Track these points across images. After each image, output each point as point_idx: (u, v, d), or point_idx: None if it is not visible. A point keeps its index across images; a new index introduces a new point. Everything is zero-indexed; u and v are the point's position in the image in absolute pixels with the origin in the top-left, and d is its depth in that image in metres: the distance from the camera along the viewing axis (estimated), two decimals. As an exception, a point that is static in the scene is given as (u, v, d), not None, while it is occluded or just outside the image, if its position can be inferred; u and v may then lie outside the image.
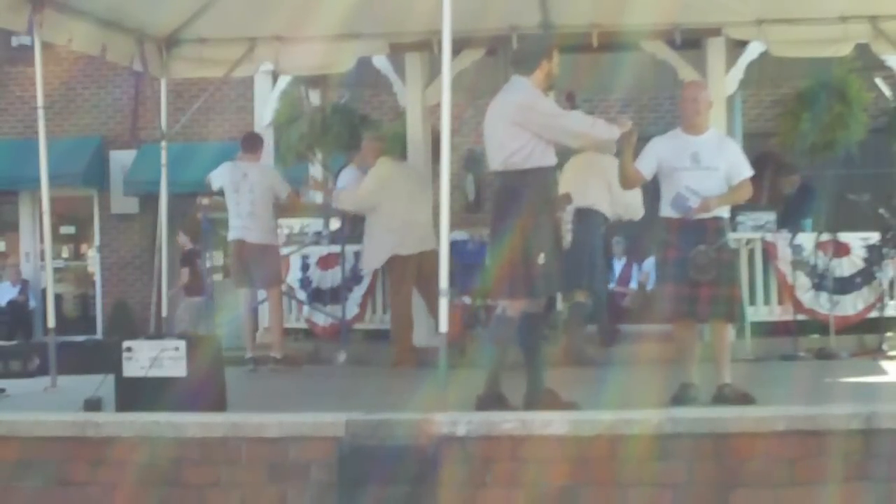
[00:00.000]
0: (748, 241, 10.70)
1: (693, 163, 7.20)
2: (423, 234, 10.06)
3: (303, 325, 11.88)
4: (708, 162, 7.20)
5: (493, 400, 6.69)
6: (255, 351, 10.54)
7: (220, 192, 10.61)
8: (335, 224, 12.13)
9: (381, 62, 11.68)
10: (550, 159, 6.88)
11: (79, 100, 20.07)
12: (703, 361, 7.32)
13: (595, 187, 9.74)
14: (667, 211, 7.29)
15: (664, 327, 7.99)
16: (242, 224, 10.39)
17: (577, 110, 7.19)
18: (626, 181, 7.44)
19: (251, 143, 10.76)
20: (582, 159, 9.79)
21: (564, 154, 10.16)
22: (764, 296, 10.82)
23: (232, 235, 10.51)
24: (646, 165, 7.31)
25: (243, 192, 10.38)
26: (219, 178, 10.61)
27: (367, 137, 11.29)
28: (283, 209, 10.77)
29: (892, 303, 10.90)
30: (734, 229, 10.29)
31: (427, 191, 10.51)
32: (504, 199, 6.80)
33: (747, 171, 7.37)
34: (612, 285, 17.39)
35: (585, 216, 9.49)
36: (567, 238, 6.82)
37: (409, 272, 10.22)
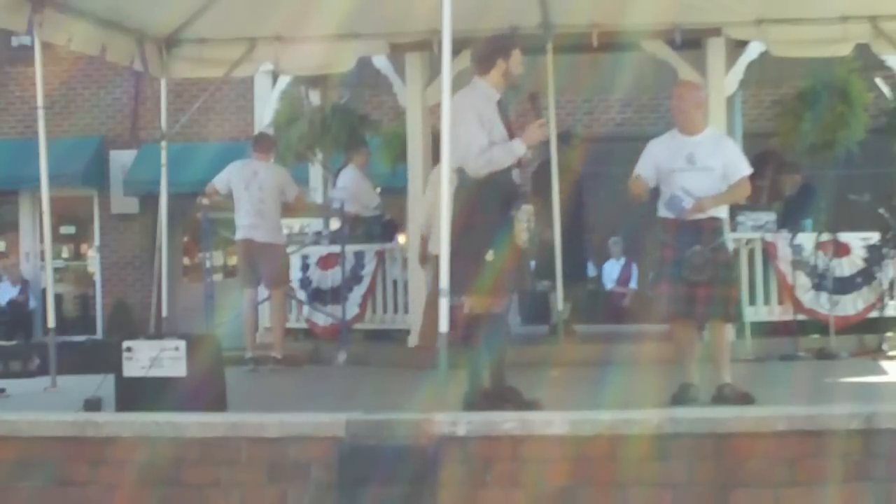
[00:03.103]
0: (748, 241, 10.70)
1: (688, 163, 7.19)
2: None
3: (303, 325, 11.89)
4: (703, 162, 7.19)
5: (479, 399, 6.70)
6: (255, 351, 10.55)
7: (227, 194, 10.63)
8: (335, 224, 12.13)
9: (381, 62, 11.67)
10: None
11: (79, 100, 20.08)
12: (703, 361, 7.32)
13: None
14: (664, 211, 7.29)
15: (664, 327, 7.99)
16: (250, 223, 10.41)
17: (516, 139, 7.06)
18: (634, 196, 7.41)
19: (262, 142, 10.82)
20: None
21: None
22: (764, 296, 10.81)
23: (239, 235, 10.54)
24: (645, 170, 7.30)
25: (253, 190, 10.42)
26: (225, 179, 10.62)
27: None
28: (287, 209, 10.80)
29: (892, 303, 10.90)
30: (734, 229, 10.30)
31: None
32: (461, 197, 6.78)
33: (745, 169, 7.37)
34: (611, 285, 17.51)
35: None
36: (523, 237, 6.77)
37: None
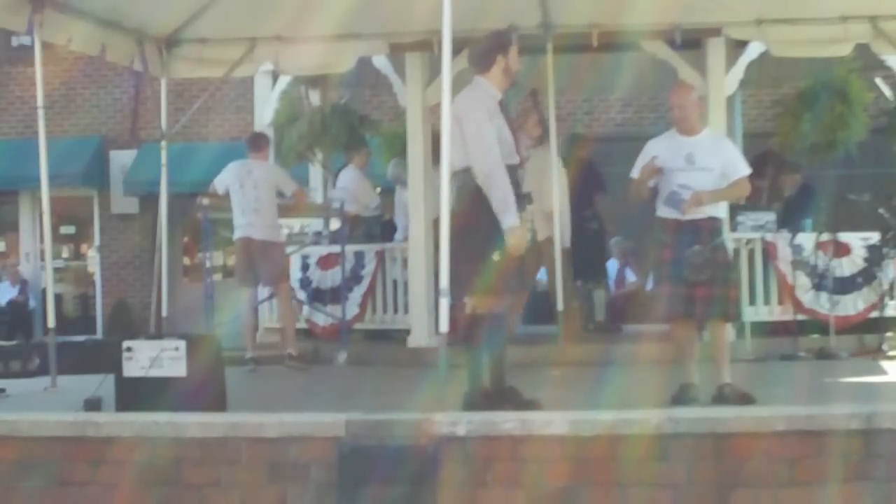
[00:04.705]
0: (748, 241, 10.70)
1: (687, 163, 7.21)
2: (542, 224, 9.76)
3: (303, 325, 11.88)
4: (702, 162, 7.22)
5: (479, 399, 6.70)
6: (255, 351, 10.55)
7: (226, 195, 10.64)
8: (335, 224, 12.14)
9: (381, 62, 11.68)
10: (512, 158, 6.83)
11: (79, 100, 20.08)
12: (703, 361, 7.32)
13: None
14: (663, 211, 7.30)
15: (664, 327, 7.99)
16: (247, 221, 10.43)
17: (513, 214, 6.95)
18: (635, 194, 7.41)
19: (257, 142, 10.85)
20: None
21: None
22: (764, 296, 10.81)
23: (238, 234, 10.56)
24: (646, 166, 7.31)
25: (248, 189, 10.44)
26: (223, 179, 10.64)
27: None
28: (287, 209, 10.80)
29: (892, 303, 10.90)
30: (734, 229, 10.31)
31: (561, 180, 10.40)
32: (464, 197, 6.77)
33: (744, 169, 7.39)
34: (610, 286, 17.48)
35: None
36: (527, 237, 6.76)
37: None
